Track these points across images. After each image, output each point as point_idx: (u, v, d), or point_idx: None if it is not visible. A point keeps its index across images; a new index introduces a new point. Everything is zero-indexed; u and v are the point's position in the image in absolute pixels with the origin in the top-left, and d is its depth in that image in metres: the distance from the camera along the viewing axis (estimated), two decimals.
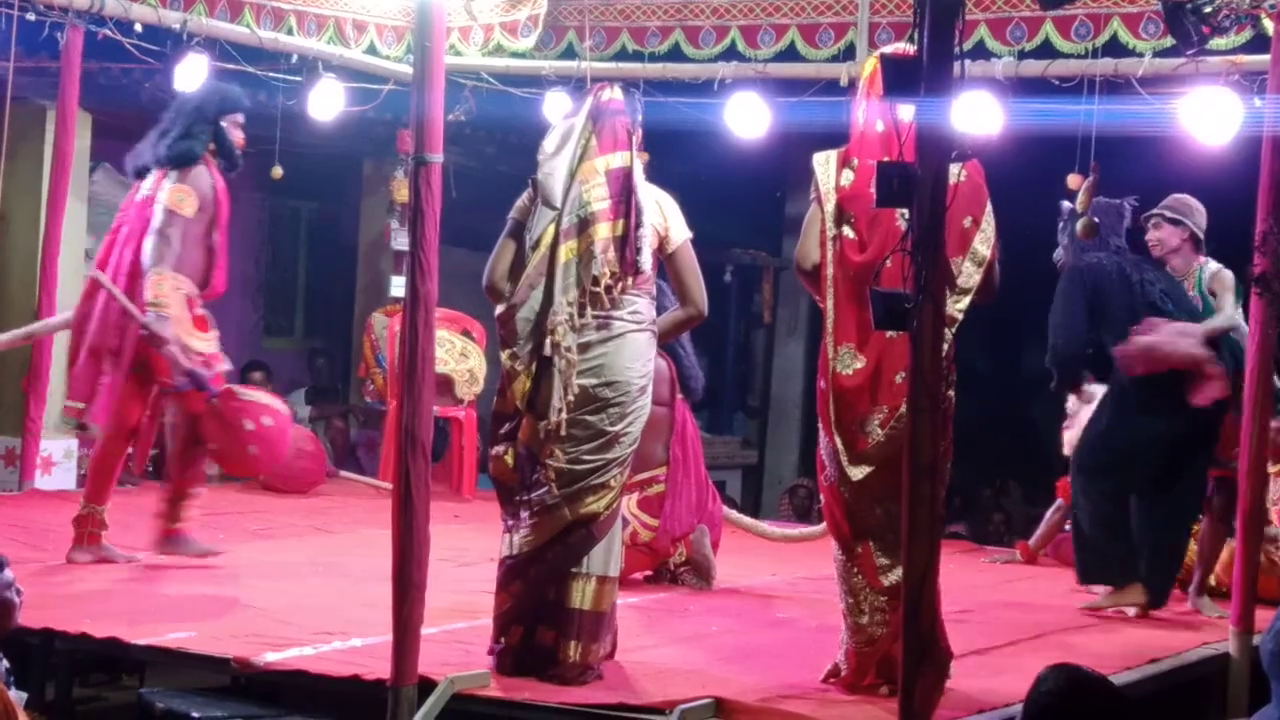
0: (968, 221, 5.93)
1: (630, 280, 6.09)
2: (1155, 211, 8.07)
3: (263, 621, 6.85)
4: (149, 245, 7.75)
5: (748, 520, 8.77)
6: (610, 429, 6.07)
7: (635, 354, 6.13)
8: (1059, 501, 9.37)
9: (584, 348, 6.03)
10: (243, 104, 8.18)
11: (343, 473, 11.98)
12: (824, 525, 7.89)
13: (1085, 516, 7.94)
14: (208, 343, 7.88)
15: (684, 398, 8.29)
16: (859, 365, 5.87)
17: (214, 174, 7.98)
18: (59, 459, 10.47)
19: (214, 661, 6.33)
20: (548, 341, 5.99)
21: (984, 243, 5.98)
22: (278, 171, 10.83)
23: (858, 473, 5.91)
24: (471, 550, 8.40)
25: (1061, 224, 8.00)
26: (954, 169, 5.19)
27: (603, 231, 6.04)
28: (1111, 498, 7.85)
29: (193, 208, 7.80)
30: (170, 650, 6.45)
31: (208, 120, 7.99)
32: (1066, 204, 7.95)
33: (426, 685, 5.76)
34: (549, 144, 6.18)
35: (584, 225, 6.03)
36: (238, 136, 8.08)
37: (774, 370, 15.96)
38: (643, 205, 6.11)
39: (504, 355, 6.13)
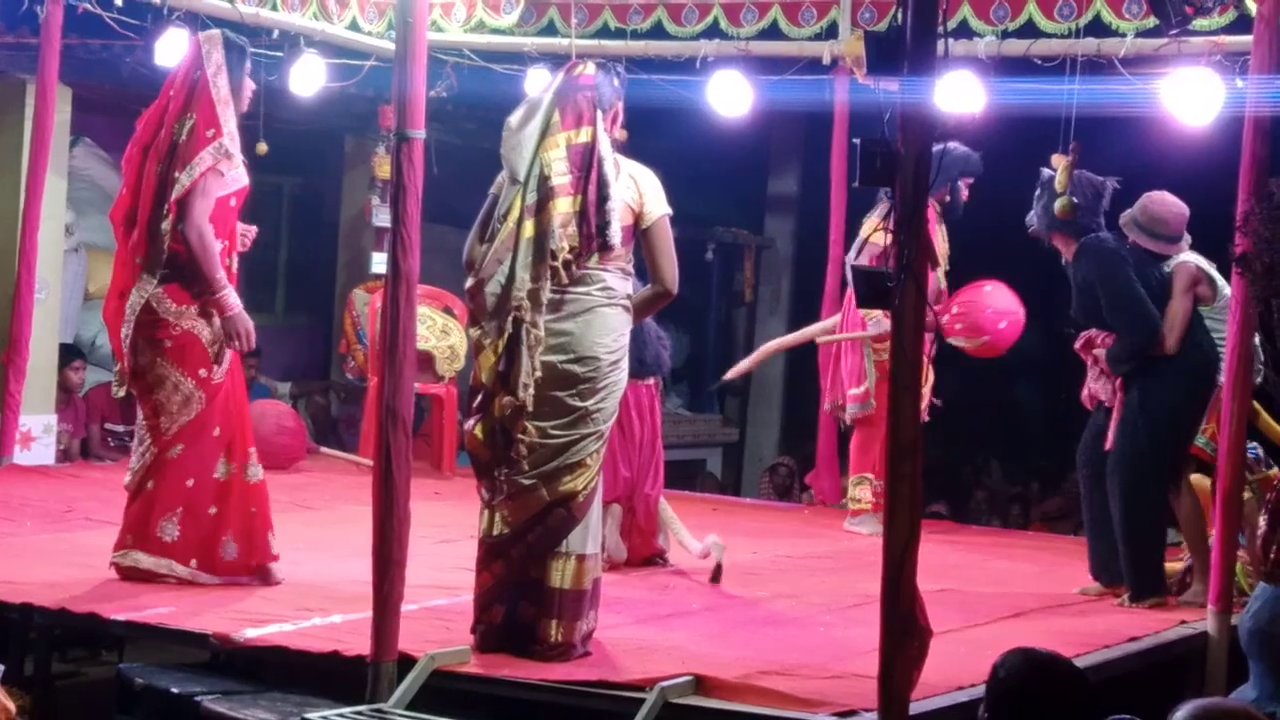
0: None
1: (596, 256, 6.08)
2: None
3: (243, 597, 6.84)
4: None
5: (676, 524, 8.46)
6: (580, 404, 6.06)
7: (605, 329, 6.12)
8: None
9: (551, 324, 6.02)
10: (979, 169, 9.27)
11: (323, 449, 11.96)
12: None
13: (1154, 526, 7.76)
14: None
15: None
16: None
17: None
18: (38, 434, 10.43)
19: (194, 637, 6.33)
20: (510, 318, 5.98)
21: None
22: (262, 148, 10.78)
23: None
24: (452, 527, 8.39)
25: (1039, 191, 7.90)
26: None
27: (563, 206, 6.02)
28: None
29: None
30: (150, 626, 6.45)
31: (950, 178, 9.11)
32: (1046, 170, 7.89)
33: (406, 661, 5.78)
34: (514, 119, 6.17)
35: (544, 201, 6.01)
36: (964, 195, 9.33)
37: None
38: (607, 180, 6.09)
39: (472, 329, 6.13)
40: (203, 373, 7.04)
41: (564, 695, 5.76)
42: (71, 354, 11.20)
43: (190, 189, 6.95)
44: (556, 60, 10.31)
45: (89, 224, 11.93)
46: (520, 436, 6.01)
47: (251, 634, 6.21)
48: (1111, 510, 7.65)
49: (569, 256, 6.01)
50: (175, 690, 6.04)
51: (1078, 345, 7.91)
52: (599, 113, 6.16)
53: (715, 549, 7.90)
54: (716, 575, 7.82)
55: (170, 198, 6.99)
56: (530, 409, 5.99)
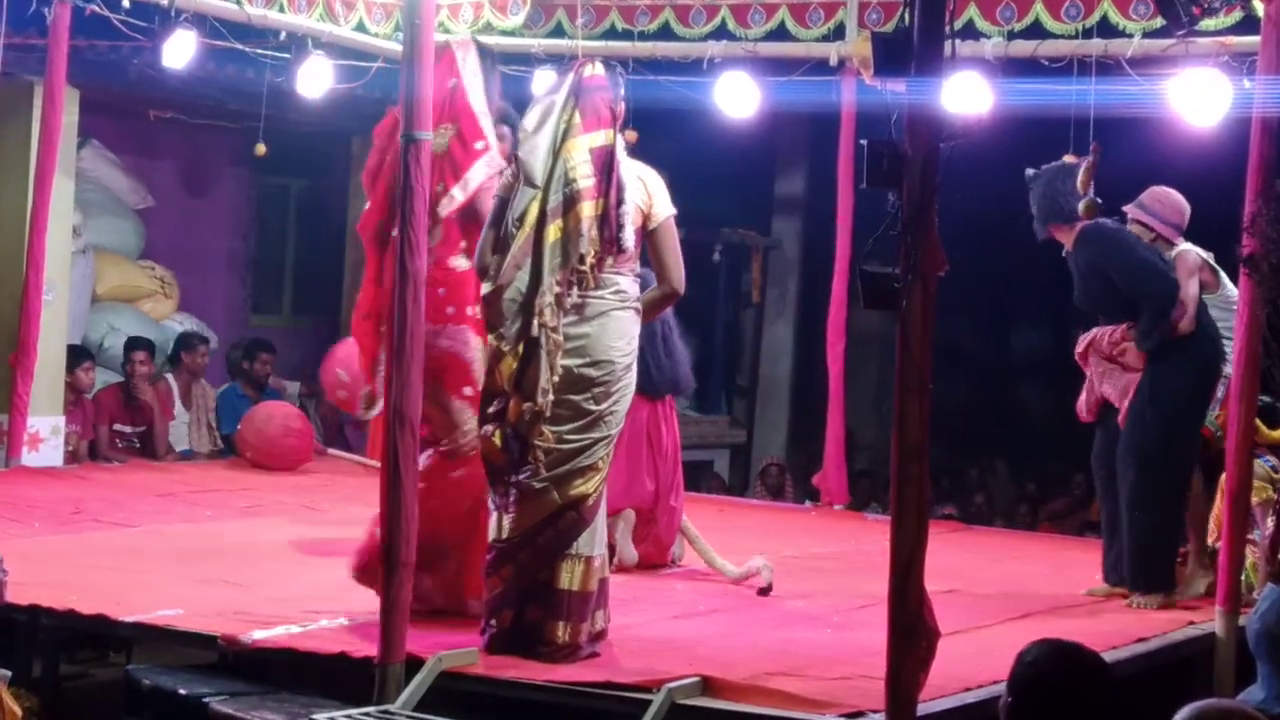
0: None
1: (612, 259, 6.08)
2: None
3: (250, 599, 6.84)
4: None
5: (702, 544, 8.32)
6: (594, 408, 6.06)
7: (619, 332, 6.12)
8: None
9: (568, 328, 6.01)
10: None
11: (331, 450, 11.97)
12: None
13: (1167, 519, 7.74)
14: None
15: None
16: None
17: None
18: (46, 435, 10.44)
19: (201, 639, 6.33)
20: (535, 322, 5.98)
21: None
22: (261, 149, 10.81)
23: None
24: None
25: (1030, 185, 7.92)
26: None
27: (587, 210, 6.01)
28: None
29: None
30: (158, 627, 6.45)
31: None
32: (1030, 170, 7.92)
33: (414, 663, 5.78)
34: (529, 121, 6.15)
35: (570, 204, 6.01)
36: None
37: (763, 350, 15.94)
38: (624, 183, 6.09)
39: (490, 336, 6.12)
40: (467, 391, 6.60)
41: (571, 696, 5.76)
42: (81, 355, 11.20)
43: (468, 208, 6.59)
44: (563, 61, 10.32)
45: (96, 226, 11.94)
46: (537, 442, 6.00)
47: (259, 636, 6.21)
48: (1121, 500, 7.66)
49: (593, 260, 6.02)
50: (183, 692, 6.05)
51: (1079, 351, 7.91)
52: (615, 115, 6.16)
53: (765, 571, 7.71)
54: (766, 591, 7.62)
55: (440, 212, 6.54)
56: (546, 414, 6.00)
